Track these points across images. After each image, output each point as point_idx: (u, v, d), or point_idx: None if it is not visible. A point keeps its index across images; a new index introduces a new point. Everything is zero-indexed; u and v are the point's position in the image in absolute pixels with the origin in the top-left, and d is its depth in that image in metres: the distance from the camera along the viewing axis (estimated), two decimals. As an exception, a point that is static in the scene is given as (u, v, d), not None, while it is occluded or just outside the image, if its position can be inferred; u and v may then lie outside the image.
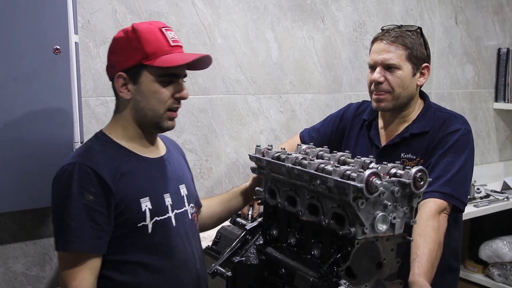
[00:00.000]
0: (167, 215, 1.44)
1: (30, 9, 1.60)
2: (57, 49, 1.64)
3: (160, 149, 1.54)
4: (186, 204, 1.52)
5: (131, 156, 1.43)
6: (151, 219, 1.40)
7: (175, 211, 1.47)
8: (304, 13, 2.50)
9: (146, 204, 1.39)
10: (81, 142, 1.76)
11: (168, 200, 1.45)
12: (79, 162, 1.33)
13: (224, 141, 2.33)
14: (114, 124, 1.47)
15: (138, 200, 1.38)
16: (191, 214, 1.54)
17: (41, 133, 1.66)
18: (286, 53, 2.47)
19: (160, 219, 1.42)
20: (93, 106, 1.95)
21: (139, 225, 1.38)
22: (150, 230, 1.40)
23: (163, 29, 1.41)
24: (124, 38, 1.40)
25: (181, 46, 1.44)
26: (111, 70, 1.43)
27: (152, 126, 1.44)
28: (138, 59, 1.38)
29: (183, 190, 1.53)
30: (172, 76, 1.41)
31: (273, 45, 2.43)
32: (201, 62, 1.47)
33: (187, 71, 1.47)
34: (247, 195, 1.74)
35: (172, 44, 1.40)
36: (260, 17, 2.37)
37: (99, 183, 1.32)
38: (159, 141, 1.56)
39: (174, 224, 1.45)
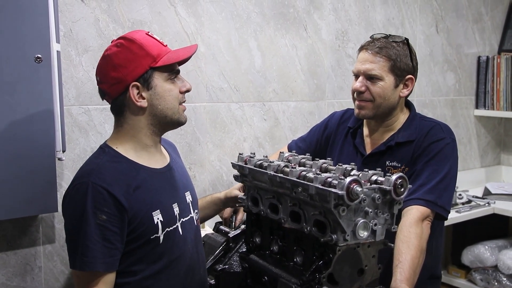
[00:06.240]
0: (176, 224, 1.46)
1: (12, 18, 1.58)
2: (38, 57, 1.63)
3: (165, 157, 1.56)
4: (192, 210, 1.55)
5: (141, 169, 1.44)
6: (163, 230, 1.42)
7: (182, 219, 1.49)
8: (287, 22, 2.52)
9: (158, 217, 1.41)
10: (63, 151, 1.74)
11: (176, 209, 1.48)
12: (92, 182, 1.34)
13: (207, 149, 2.33)
14: (121, 137, 1.46)
15: (151, 213, 1.40)
16: (196, 220, 1.57)
17: (23, 142, 1.64)
18: (269, 61, 2.49)
19: (170, 229, 1.44)
20: (75, 115, 1.94)
21: (151, 237, 1.40)
22: (161, 241, 1.42)
23: (148, 33, 1.46)
24: (123, 51, 1.39)
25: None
26: (119, 86, 1.40)
27: (171, 125, 1.49)
28: (148, 63, 1.40)
29: (188, 197, 1.56)
30: (176, 73, 1.48)
31: (256, 53, 2.44)
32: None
33: None
34: (222, 205, 1.86)
35: (164, 44, 1.46)
36: (243, 25, 2.38)
37: (112, 202, 1.34)
38: (162, 148, 1.58)
39: (181, 233, 1.47)
